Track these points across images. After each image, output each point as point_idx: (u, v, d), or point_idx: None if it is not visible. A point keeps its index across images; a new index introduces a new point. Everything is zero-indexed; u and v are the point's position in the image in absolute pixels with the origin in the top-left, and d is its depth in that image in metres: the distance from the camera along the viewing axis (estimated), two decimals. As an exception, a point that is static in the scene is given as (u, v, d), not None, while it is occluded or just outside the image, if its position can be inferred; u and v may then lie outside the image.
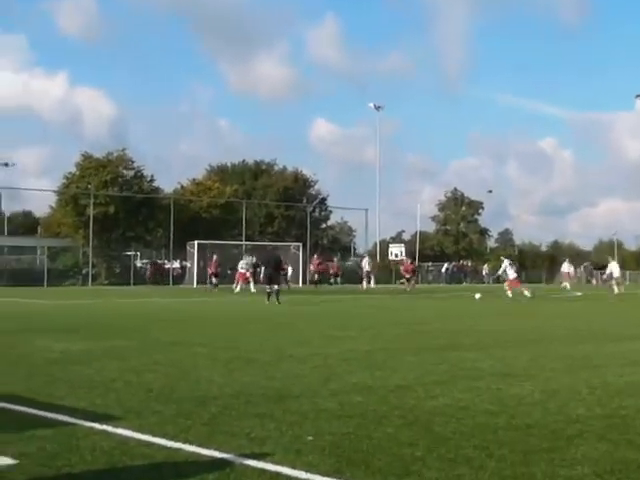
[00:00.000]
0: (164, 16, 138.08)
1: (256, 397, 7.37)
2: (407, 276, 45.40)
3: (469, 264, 76.86)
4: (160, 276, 56.94)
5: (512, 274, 34.04)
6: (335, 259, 46.95)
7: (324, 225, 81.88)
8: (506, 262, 35.28)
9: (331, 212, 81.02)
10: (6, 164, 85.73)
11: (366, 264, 51.55)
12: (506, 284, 34.14)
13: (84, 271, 55.90)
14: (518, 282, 34.76)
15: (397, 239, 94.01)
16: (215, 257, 42.91)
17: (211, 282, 42.32)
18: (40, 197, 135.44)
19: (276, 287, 26.62)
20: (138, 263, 62.95)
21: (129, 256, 59.69)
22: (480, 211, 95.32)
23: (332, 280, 52.05)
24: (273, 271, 27.12)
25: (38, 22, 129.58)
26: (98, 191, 56.34)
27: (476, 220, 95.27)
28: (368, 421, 6.28)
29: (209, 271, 43.32)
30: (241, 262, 42.44)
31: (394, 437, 5.74)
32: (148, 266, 58.69)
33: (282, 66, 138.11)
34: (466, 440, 5.65)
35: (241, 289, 40.17)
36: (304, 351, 11.38)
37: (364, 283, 48.74)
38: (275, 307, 24.74)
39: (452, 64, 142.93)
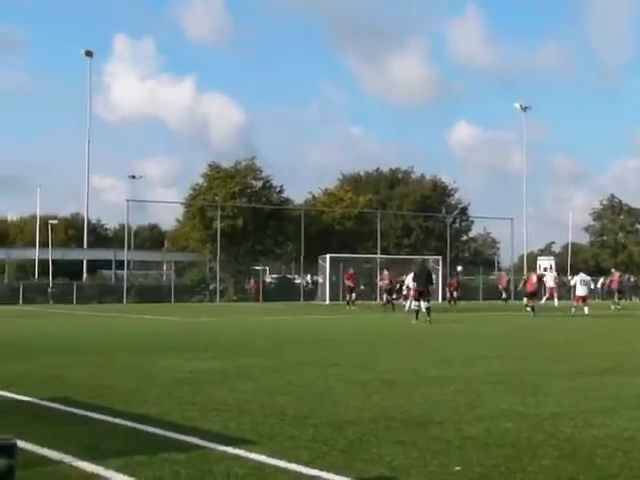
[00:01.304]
0: (293, 17, 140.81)
1: (396, 422, 7.34)
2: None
3: (632, 278, 73.94)
4: (256, 292, 57.30)
5: None
6: (454, 274, 46.12)
7: (465, 237, 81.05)
8: None
9: (473, 222, 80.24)
10: (133, 177, 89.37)
11: (550, 280, 48.67)
12: None
13: (211, 287, 57.45)
14: None
15: (546, 251, 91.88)
16: (351, 270, 42.41)
17: (350, 298, 42.37)
18: (167, 209, 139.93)
19: (427, 304, 26.29)
20: (267, 278, 64.18)
21: (258, 271, 60.96)
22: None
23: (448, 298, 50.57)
24: (424, 286, 26.70)
25: (166, 27, 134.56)
26: (226, 203, 57.83)
27: (637, 230, 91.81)
28: (520, 451, 6.13)
29: (348, 285, 42.91)
30: (409, 276, 41.42)
31: (551, 470, 5.57)
32: (249, 281, 59.42)
33: (420, 65, 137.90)
34: (636, 477, 5.42)
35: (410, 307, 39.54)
36: (446, 373, 11.27)
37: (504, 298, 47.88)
38: (413, 326, 24.59)
39: (611, 55, 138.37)
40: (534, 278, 30.99)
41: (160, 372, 11.38)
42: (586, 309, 31.31)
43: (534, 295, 30.74)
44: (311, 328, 24.38)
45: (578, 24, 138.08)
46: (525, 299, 30.75)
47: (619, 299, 41.20)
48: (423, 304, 25.85)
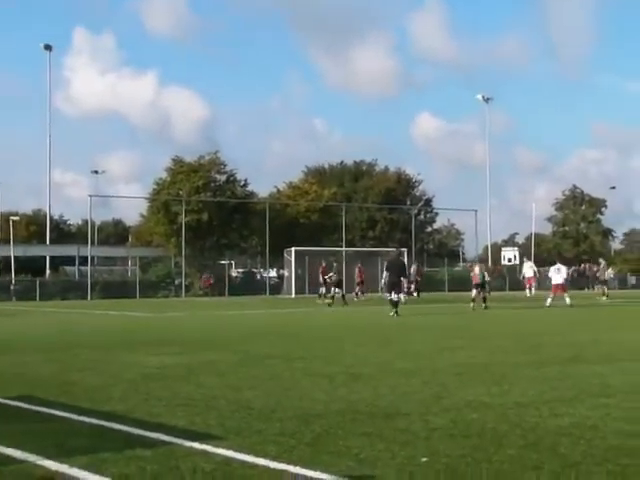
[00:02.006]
0: (256, 9, 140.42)
1: (363, 415, 7.36)
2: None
3: (594, 268, 74.82)
4: (212, 287, 57.05)
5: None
6: (413, 265, 46.14)
7: (430, 228, 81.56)
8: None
9: (437, 214, 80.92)
10: (96, 172, 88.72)
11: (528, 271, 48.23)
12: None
13: (177, 282, 57.25)
14: None
15: (510, 242, 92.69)
16: (324, 263, 42.23)
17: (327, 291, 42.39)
18: (130, 205, 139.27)
19: (400, 296, 26.17)
20: (233, 272, 64.06)
21: (223, 265, 60.82)
22: (603, 210, 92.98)
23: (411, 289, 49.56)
24: (397, 279, 26.32)
25: (126, 21, 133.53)
26: (190, 197, 57.58)
27: (598, 220, 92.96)
28: (486, 441, 6.18)
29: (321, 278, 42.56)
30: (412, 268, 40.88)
31: (517, 459, 5.62)
32: (203, 275, 59.04)
33: (382, 58, 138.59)
34: (597, 464, 5.48)
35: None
36: (412, 365, 11.31)
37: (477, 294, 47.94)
38: (386, 319, 24.66)
39: (574, 49, 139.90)
40: (477, 269, 30.60)
41: (125, 368, 11.31)
42: (567, 299, 31.11)
43: (480, 286, 30.11)
44: (277, 322, 24.37)
45: (539, 16, 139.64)
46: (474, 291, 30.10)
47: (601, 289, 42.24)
48: (394, 296, 25.65)
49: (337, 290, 36.21)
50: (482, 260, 48.87)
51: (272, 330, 20.07)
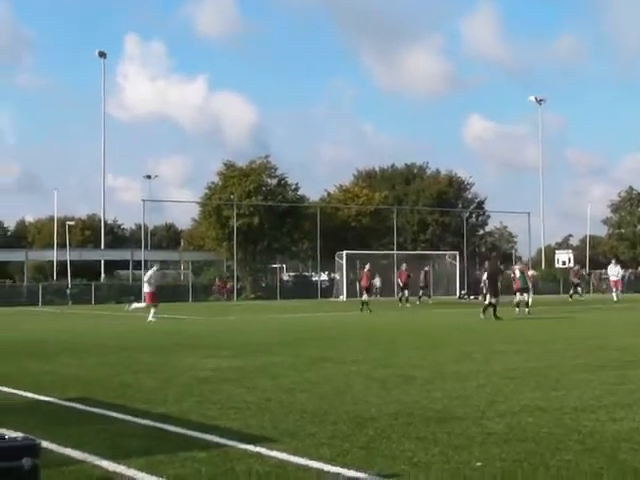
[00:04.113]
0: (305, 12, 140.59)
1: (417, 418, 7.33)
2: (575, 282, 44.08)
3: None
4: (224, 293, 57.10)
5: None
6: (426, 267, 45.79)
7: (482, 231, 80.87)
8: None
9: (489, 217, 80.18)
10: (149, 177, 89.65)
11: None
12: None
13: (229, 285, 57.56)
14: None
15: (564, 245, 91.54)
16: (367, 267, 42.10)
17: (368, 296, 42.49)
18: (182, 209, 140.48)
19: (494, 300, 25.25)
20: (285, 276, 64.27)
21: (275, 269, 61.05)
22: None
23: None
24: (495, 283, 25.62)
25: (177, 27, 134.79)
26: (241, 201, 57.91)
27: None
28: (542, 447, 6.10)
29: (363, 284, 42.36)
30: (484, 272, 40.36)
31: (574, 465, 5.53)
32: (216, 281, 58.98)
33: (433, 60, 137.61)
34: (658, 470, 5.38)
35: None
36: (466, 368, 11.24)
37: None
38: (430, 322, 24.53)
39: (629, 49, 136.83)
40: (517, 272, 30.09)
41: (180, 371, 11.42)
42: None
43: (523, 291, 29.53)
44: (329, 325, 24.40)
45: (594, 16, 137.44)
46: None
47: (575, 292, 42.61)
48: (493, 299, 25.22)
49: (365, 296, 35.99)
50: (523, 262, 48.03)
51: (324, 333, 20.10)
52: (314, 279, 62.72)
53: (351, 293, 52.15)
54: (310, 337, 18.59)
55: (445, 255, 60.02)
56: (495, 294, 25.40)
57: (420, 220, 72.64)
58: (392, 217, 64.39)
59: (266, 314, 31.78)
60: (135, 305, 29.78)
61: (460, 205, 76.21)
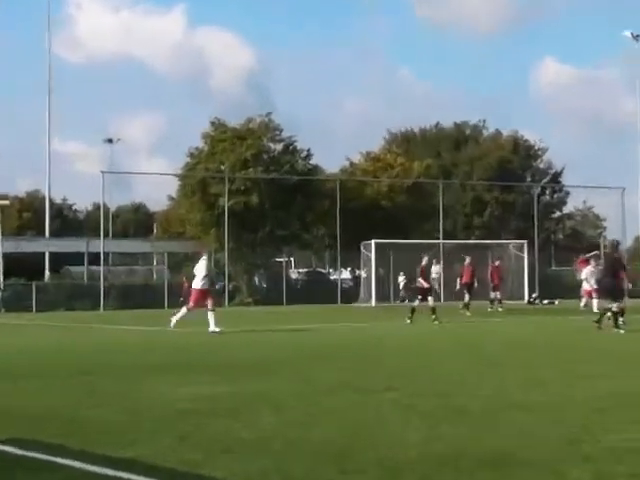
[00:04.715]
0: None
1: (471, 462, 7.29)
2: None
3: None
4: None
5: None
6: (497, 262, 45.85)
7: (558, 213, 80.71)
8: None
9: (568, 194, 79.95)
10: (110, 140, 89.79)
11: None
12: None
13: (218, 286, 57.71)
14: None
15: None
16: (468, 260, 42.16)
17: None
18: (156, 184, 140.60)
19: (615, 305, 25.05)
20: (293, 274, 64.33)
21: (280, 264, 61.07)
22: None
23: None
24: (613, 280, 25.44)
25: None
26: (235, 173, 57.95)
27: None
28: (642, 502, 6.08)
29: (460, 281, 42.11)
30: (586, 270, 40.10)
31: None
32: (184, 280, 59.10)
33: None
34: None
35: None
36: (537, 396, 11.23)
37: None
38: (499, 334, 24.51)
39: None
40: (589, 269, 29.69)
41: (152, 401, 11.43)
42: None
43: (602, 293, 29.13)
44: (352, 340, 24.46)
45: None
46: None
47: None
48: (614, 305, 25.02)
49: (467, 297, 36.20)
50: (596, 255, 47.37)
51: (346, 351, 20.12)
52: (332, 277, 62.86)
53: (383, 296, 52.23)
54: (327, 356, 18.62)
55: (509, 245, 59.87)
56: (618, 296, 25.21)
57: (475, 198, 72.59)
58: (437, 194, 64.32)
59: (267, 324, 31.79)
60: (178, 316, 28.93)
61: (529, 178, 76.08)
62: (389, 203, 64.24)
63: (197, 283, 28.35)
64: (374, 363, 16.71)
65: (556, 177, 78.37)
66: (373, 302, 52.24)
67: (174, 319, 27.99)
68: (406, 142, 78.93)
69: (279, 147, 61.40)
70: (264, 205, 58.28)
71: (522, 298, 55.00)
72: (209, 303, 27.36)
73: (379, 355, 18.79)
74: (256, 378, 13.98)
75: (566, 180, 78.71)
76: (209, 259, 29.83)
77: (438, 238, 60.55)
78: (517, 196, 72.78)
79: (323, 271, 66.32)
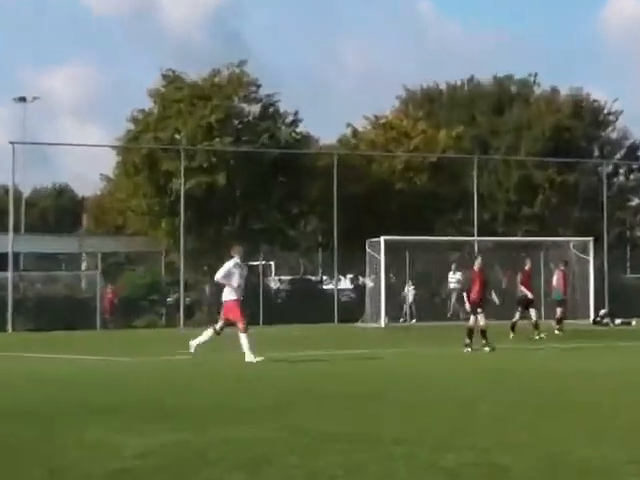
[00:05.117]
0: None
1: None
2: None
3: None
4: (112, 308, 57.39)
5: None
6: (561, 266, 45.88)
7: (637, 200, 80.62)
8: None
9: (651, 174, 79.83)
10: (23, 99, 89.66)
11: None
12: None
13: (170, 299, 57.71)
14: None
15: None
16: (528, 264, 41.98)
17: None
18: (85, 159, 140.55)
19: None
20: (273, 282, 64.25)
21: (255, 268, 60.93)
22: None
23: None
24: None
25: None
26: (195, 145, 57.92)
27: None
28: None
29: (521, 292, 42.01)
30: None
31: None
32: (107, 291, 58.98)
33: None
34: None
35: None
36: (604, 450, 11.21)
37: None
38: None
39: None
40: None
41: (81, 456, 11.39)
42: None
43: None
44: (353, 373, 24.53)
45: None
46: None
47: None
48: None
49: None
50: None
51: (344, 388, 20.17)
52: (327, 287, 62.76)
53: (396, 312, 52.22)
54: (318, 395, 18.67)
55: (569, 244, 59.74)
56: None
57: (522, 179, 72.41)
58: (470, 174, 64.35)
59: (236, 352, 31.86)
60: (202, 339, 28.78)
61: (596, 153, 75.99)
62: (405, 186, 64.30)
63: (229, 293, 28.42)
64: (382, 404, 16.76)
65: (634, 151, 78.29)
66: (383, 321, 52.17)
67: (195, 342, 28.24)
68: (429, 103, 78.74)
69: (255, 109, 61.45)
70: (234, 189, 58.33)
71: (587, 316, 54.91)
72: (240, 322, 27.62)
73: (388, 394, 18.80)
74: (224, 424, 13.96)
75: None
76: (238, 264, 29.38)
77: (471, 234, 60.61)
78: (580, 177, 72.61)
79: (314, 279, 66.22)
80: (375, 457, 11.19)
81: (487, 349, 31.69)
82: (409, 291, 55.61)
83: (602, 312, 55.04)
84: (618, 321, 52.09)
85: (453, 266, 51.51)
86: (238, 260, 29.43)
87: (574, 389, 19.47)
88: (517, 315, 39.60)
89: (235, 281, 28.38)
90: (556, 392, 18.78)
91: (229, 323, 27.96)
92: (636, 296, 59.31)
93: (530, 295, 38.52)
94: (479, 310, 33.03)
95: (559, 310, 43.58)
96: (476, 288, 33.88)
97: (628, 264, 72.49)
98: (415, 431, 13.21)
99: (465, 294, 33.93)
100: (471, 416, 14.90)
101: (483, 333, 32.50)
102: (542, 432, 13.00)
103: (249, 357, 26.78)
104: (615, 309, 54.96)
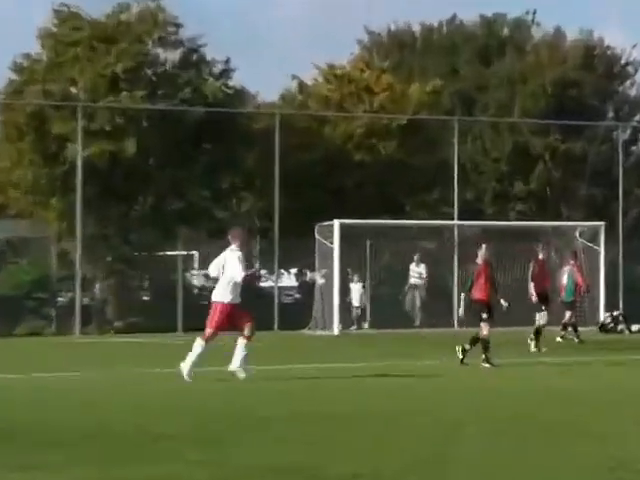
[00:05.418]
0: None
1: None
2: None
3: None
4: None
5: None
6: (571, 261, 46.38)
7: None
8: None
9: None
10: None
11: None
12: None
13: (62, 299, 57.56)
14: None
15: None
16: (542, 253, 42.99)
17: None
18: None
19: None
20: (196, 278, 64.32)
21: (173, 260, 60.94)
22: None
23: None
24: None
25: None
26: (96, 101, 57.78)
27: None
28: None
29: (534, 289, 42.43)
30: None
31: None
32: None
33: None
34: None
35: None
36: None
37: None
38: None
39: None
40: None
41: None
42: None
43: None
44: (299, 393, 24.79)
45: None
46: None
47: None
48: None
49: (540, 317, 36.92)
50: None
51: (287, 412, 20.30)
52: (265, 284, 62.84)
53: (352, 317, 52.47)
54: (256, 421, 18.79)
55: (574, 230, 59.98)
56: None
57: (515, 147, 72.56)
58: (450, 141, 64.60)
59: (152, 367, 31.90)
60: (192, 358, 28.34)
61: (611, 114, 76.26)
62: (367, 156, 64.34)
63: (222, 293, 28.06)
64: (337, 430, 16.88)
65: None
66: (336, 328, 52.31)
67: (186, 366, 27.49)
68: (398, 50, 78.76)
69: (175, 57, 61.39)
70: (147, 158, 58.29)
71: (595, 322, 55.10)
72: (246, 327, 27.65)
73: (345, 415, 18.94)
74: (134, 461, 14.00)
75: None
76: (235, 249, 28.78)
77: (451, 217, 60.86)
78: (589, 145, 72.85)
79: (252, 270, 66.37)
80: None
81: (486, 365, 32.04)
82: (356, 290, 55.76)
83: (614, 313, 55.11)
84: (635, 327, 52.23)
85: (416, 257, 51.67)
86: (237, 250, 28.65)
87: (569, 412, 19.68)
88: (540, 317, 40.00)
89: (231, 279, 27.88)
90: (556, 420, 18.98)
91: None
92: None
93: (535, 297, 38.66)
94: (484, 315, 33.09)
95: (568, 314, 43.86)
96: (481, 286, 33.85)
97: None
98: (373, 463, 13.33)
99: (470, 294, 33.97)
100: (454, 442, 15.06)
101: (485, 345, 32.72)
102: (540, 472, 13.17)
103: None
104: (632, 312, 55.06)
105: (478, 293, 32.94)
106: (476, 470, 12.95)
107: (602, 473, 12.72)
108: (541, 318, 39.86)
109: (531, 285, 40.02)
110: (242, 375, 26.94)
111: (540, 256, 41.64)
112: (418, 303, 55.93)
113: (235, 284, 27.81)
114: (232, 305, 27.80)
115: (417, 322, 56.09)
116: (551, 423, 18.29)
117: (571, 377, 29.81)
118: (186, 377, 26.70)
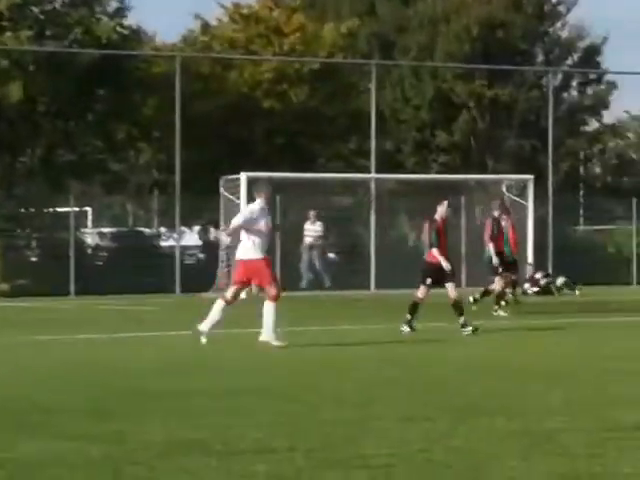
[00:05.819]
0: None
1: None
2: None
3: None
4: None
5: None
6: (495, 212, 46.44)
7: (595, 124, 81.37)
8: None
9: (614, 87, 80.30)
10: None
11: None
12: None
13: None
14: None
15: None
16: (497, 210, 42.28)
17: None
18: None
19: None
20: (89, 236, 64.08)
21: (64, 217, 60.65)
22: None
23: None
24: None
25: None
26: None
27: None
28: None
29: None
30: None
31: None
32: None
33: None
34: None
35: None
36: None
37: None
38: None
39: None
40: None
41: None
42: None
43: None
44: (193, 363, 24.52)
45: None
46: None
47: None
48: None
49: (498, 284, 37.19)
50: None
51: (193, 385, 20.01)
52: (166, 243, 62.75)
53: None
54: (148, 398, 18.44)
55: (501, 184, 60.08)
56: None
57: (437, 94, 72.80)
58: (367, 87, 64.43)
59: (39, 334, 31.64)
60: (213, 319, 27.57)
61: (540, 57, 76.45)
62: (276, 103, 64.39)
63: (251, 250, 27.76)
64: (252, 407, 16.60)
65: (591, 55, 78.82)
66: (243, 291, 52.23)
67: (205, 326, 27.78)
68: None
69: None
70: (34, 105, 57.99)
71: (522, 282, 55.37)
72: (271, 286, 27.83)
73: (254, 394, 18.67)
74: (32, 431, 13.70)
75: (610, 63, 79.55)
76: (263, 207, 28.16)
77: (367, 170, 60.72)
78: (517, 92, 73.08)
79: (148, 232, 66.17)
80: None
81: (469, 329, 31.50)
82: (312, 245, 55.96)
83: (538, 275, 55.39)
84: (560, 281, 52.53)
85: (312, 213, 51.44)
86: (264, 204, 28.41)
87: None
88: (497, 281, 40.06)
89: (263, 228, 27.64)
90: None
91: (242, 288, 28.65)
92: (590, 255, 59.71)
93: (496, 259, 38.55)
94: (448, 278, 32.64)
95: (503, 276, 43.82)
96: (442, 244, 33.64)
97: (581, 212, 73.12)
98: (285, 438, 12.99)
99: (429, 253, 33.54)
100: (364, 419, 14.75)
101: (458, 307, 32.33)
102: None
103: (268, 336, 27.10)
104: (561, 273, 55.35)
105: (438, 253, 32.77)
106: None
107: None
108: (497, 282, 39.86)
109: (490, 246, 39.74)
110: (278, 342, 26.85)
111: (495, 213, 41.53)
112: (317, 264, 55.69)
113: (265, 240, 27.95)
114: (267, 259, 28.37)
115: (327, 283, 55.86)
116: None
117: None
118: (274, 342, 26.78)
